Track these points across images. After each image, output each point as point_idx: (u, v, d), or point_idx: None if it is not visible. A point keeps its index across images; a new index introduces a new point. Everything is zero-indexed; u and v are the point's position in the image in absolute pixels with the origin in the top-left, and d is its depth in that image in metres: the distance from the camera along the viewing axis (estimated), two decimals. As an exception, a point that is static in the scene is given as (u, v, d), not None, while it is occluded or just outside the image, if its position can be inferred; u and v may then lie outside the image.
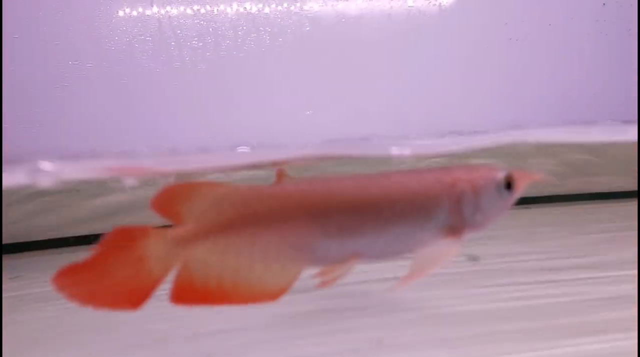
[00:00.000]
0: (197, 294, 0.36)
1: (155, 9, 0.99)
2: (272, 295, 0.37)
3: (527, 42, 1.16)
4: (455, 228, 0.39)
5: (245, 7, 1.02)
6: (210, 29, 1.01)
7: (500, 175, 0.40)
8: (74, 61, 0.98)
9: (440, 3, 1.12)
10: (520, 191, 0.41)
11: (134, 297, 0.35)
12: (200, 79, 1.02)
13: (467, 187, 0.39)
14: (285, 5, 1.04)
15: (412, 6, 1.11)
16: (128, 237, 0.35)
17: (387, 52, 1.10)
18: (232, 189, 0.37)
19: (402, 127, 1.07)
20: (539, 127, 1.08)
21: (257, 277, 0.36)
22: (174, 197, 0.36)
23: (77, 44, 0.98)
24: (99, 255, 0.35)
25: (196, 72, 1.01)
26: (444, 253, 0.38)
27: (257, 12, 1.03)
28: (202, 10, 1.01)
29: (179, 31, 1.00)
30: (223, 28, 1.02)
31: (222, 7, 1.01)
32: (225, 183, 0.37)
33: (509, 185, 0.40)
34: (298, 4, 1.04)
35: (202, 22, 1.01)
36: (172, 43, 1.00)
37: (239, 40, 1.02)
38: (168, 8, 1.00)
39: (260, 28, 1.03)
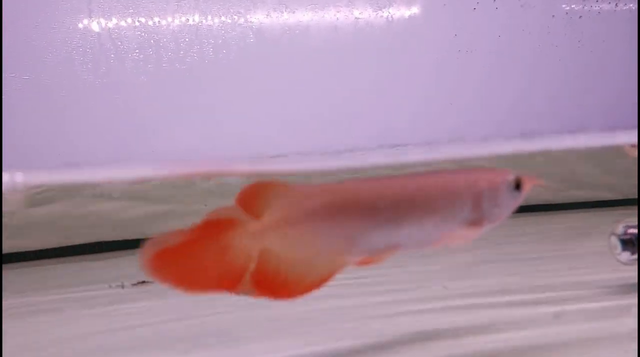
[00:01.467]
0: (271, 283, 0.39)
1: (94, 20, 0.98)
2: (316, 284, 0.40)
3: (476, 54, 1.16)
4: (475, 221, 0.45)
5: (188, 19, 1.01)
6: (152, 41, 1.00)
7: (512, 177, 0.46)
8: (10, 73, 0.96)
9: (388, 15, 1.11)
10: (527, 192, 0.47)
11: (223, 282, 0.38)
12: (141, 91, 1.00)
13: (486, 186, 0.45)
14: (229, 16, 1.03)
15: (359, 18, 1.10)
16: (217, 227, 0.39)
17: (334, 65, 1.09)
18: (298, 186, 0.41)
19: (348, 140, 1.06)
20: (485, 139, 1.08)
21: (312, 267, 0.40)
22: (255, 195, 0.39)
23: (13, 56, 0.96)
24: (188, 241, 0.38)
25: (137, 84, 1.00)
26: (467, 236, 0.45)
27: (199, 24, 1.02)
28: (143, 22, 0.99)
29: (119, 43, 0.99)
30: (164, 40, 1.00)
31: (163, 18, 1.00)
32: (291, 182, 0.41)
33: (518, 186, 0.46)
34: (242, 16, 1.03)
35: (143, 34, 1.00)
36: (112, 55, 0.99)
37: (181, 52, 1.01)
38: (108, 19, 0.98)
39: (204, 40, 1.02)
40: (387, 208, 0.42)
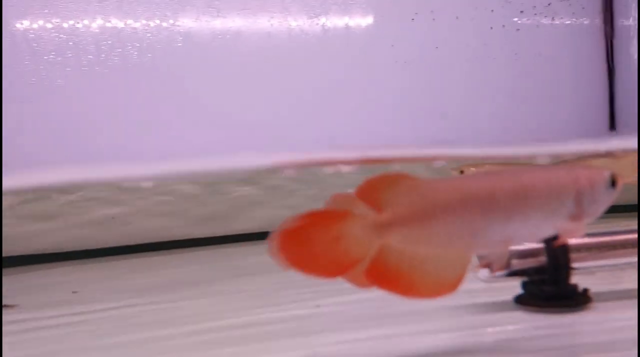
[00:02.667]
0: (390, 280, 0.40)
1: (6, 20, 0.92)
2: (452, 285, 0.41)
3: (413, 64, 1.15)
4: (576, 216, 0.46)
5: (110, 21, 0.97)
6: (71, 43, 0.95)
7: (608, 174, 0.48)
8: None
9: (324, 24, 1.09)
10: (619, 190, 0.49)
11: (333, 269, 0.39)
12: (58, 96, 0.95)
13: (586, 182, 0.47)
14: (154, 19, 0.99)
15: (295, 25, 1.08)
16: (328, 216, 0.39)
17: (266, 72, 1.06)
18: (422, 181, 0.42)
19: (278, 147, 1.03)
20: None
21: (439, 266, 0.41)
22: (376, 187, 0.40)
23: None
24: (306, 225, 0.39)
25: (53, 88, 0.94)
26: (572, 230, 0.46)
27: (123, 27, 0.97)
28: (61, 23, 0.94)
29: (34, 44, 0.94)
30: (84, 42, 0.96)
31: (83, 20, 0.95)
32: (415, 175, 0.42)
33: (613, 183, 0.48)
34: (169, 19, 1.00)
35: (60, 36, 0.95)
36: (27, 57, 0.93)
37: (103, 55, 0.96)
38: (22, 20, 0.93)
39: (127, 43, 0.98)
40: (503, 201, 0.43)
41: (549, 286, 0.55)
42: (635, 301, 0.55)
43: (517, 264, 0.55)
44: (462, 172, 0.85)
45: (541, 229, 0.45)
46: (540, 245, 0.55)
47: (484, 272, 0.54)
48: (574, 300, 0.56)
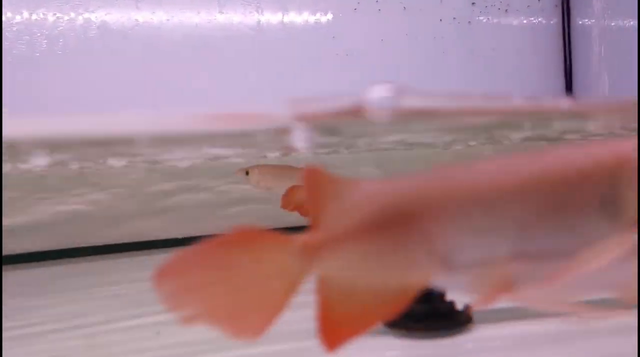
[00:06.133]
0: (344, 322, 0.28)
1: None
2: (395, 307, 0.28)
3: (356, 57, 1.07)
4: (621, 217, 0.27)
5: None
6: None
7: None
8: None
9: (258, 17, 1.02)
10: None
11: (246, 308, 0.28)
12: None
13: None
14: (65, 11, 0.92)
15: (230, 18, 1.01)
16: (243, 237, 0.28)
17: (193, 64, 0.98)
18: (369, 183, 0.30)
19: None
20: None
21: (391, 287, 0.28)
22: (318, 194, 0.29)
23: None
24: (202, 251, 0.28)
25: None
26: (621, 243, 0.27)
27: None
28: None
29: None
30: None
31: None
32: (357, 179, 0.30)
33: None
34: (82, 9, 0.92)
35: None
36: None
37: (6, 43, 0.89)
38: None
39: (35, 31, 0.90)
40: (496, 201, 0.28)
41: (420, 303, 0.42)
42: (514, 321, 0.45)
43: None
44: (247, 173, 0.78)
45: (574, 239, 0.28)
46: None
47: None
48: (452, 320, 0.43)
